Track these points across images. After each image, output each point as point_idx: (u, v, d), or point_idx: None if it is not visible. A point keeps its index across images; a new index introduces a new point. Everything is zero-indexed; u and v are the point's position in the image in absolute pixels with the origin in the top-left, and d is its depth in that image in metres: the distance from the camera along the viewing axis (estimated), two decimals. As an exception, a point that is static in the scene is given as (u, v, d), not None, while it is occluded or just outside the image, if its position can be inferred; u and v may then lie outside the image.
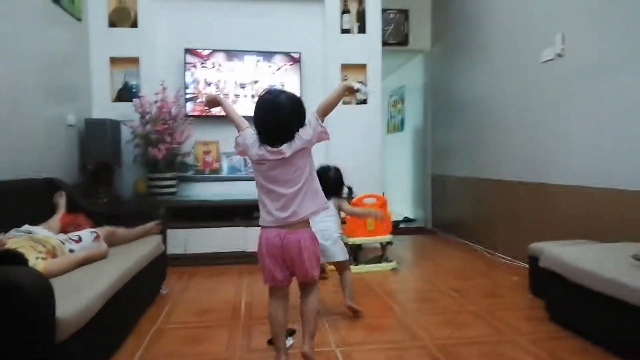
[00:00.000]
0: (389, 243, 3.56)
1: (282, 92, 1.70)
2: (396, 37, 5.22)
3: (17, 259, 1.60)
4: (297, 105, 1.66)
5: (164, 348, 2.03)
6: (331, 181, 2.54)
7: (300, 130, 1.64)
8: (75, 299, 1.55)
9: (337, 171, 2.64)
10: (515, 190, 3.61)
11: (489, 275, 3.24)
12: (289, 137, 1.63)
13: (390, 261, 3.51)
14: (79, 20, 3.61)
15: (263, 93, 1.72)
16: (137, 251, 2.41)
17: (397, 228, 5.49)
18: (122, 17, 3.90)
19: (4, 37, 2.59)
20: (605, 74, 2.70)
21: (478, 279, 3.16)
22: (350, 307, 2.40)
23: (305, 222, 1.70)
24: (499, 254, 3.76)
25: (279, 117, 1.63)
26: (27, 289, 1.24)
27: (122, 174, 3.87)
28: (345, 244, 3.42)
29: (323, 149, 4.17)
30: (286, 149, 1.61)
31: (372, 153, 4.22)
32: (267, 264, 1.68)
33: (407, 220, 5.97)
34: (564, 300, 2.13)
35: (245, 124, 1.78)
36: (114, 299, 1.89)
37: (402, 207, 6.64)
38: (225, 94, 3.99)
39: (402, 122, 6.59)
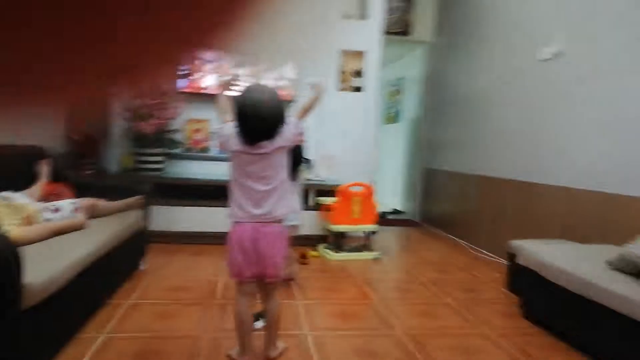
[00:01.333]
0: (373, 233, 3.56)
1: (264, 89, 1.63)
2: (399, 26, 5.17)
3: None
4: (278, 103, 1.60)
5: (135, 322, 2.03)
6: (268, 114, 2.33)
7: (281, 128, 1.60)
8: (46, 266, 1.54)
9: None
10: (502, 188, 3.62)
11: (469, 270, 3.25)
12: (270, 134, 1.59)
13: (373, 251, 3.52)
14: None
15: (245, 90, 1.63)
16: (115, 225, 2.39)
17: (385, 219, 5.51)
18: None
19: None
20: (601, 77, 2.69)
21: (458, 273, 3.17)
22: None
23: (278, 220, 1.66)
24: (483, 250, 3.77)
25: (261, 114, 1.56)
26: (-8, 253, 1.23)
27: (109, 147, 3.83)
28: (329, 231, 3.46)
29: (316, 134, 4.16)
30: (267, 144, 1.59)
31: (366, 141, 4.20)
32: (237, 259, 1.63)
33: (395, 212, 5.99)
34: (538, 297, 2.15)
35: (230, 117, 1.73)
36: (87, 271, 1.87)
37: (392, 198, 6.65)
38: (224, 72, 3.94)
39: (398, 113, 6.55)
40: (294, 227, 2.55)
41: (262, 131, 1.58)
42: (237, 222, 1.66)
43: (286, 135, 1.60)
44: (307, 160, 2.89)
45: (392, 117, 6.85)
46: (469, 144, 4.25)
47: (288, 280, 2.69)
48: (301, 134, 1.66)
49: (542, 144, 3.19)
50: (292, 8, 4.09)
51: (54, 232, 2.00)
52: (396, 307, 2.41)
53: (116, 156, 3.86)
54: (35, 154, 2.77)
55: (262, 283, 1.68)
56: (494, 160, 3.79)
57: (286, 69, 4.03)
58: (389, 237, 4.46)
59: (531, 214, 3.23)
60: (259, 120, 1.57)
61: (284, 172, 1.65)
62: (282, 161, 1.64)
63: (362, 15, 4.19)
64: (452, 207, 4.60)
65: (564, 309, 1.96)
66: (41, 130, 3.11)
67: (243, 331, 1.68)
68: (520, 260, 2.25)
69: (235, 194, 1.67)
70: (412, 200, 5.73)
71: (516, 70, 3.55)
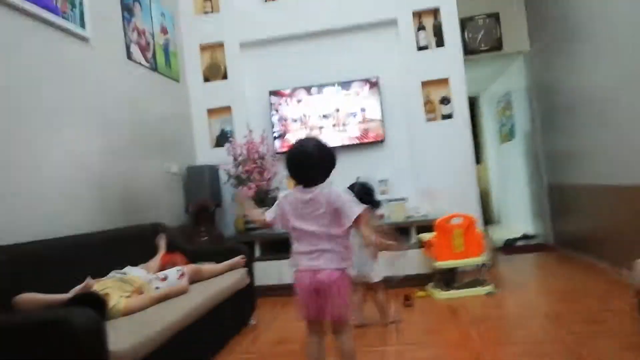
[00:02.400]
0: (484, 265, 3.29)
1: (311, 139, 1.84)
2: (487, 43, 4.92)
3: (96, 300, 1.90)
4: (323, 151, 1.77)
5: (231, 377, 2.17)
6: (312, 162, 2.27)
7: (328, 173, 1.76)
8: (135, 333, 1.77)
9: (363, 186, 2.68)
10: (634, 197, 3.08)
11: (602, 297, 2.79)
12: (315, 177, 1.74)
13: (487, 285, 3.24)
14: (178, 81, 4.13)
15: (294, 143, 1.85)
16: (217, 285, 2.62)
17: (512, 247, 5.06)
18: (214, 72, 4.36)
19: (118, 104, 3.11)
20: None
21: (584, 301, 2.74)
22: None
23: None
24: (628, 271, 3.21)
25: (306, 156, 1.75)
26: (77, 326, 1.46)
27: (224, 213, 4.25)
28: (434, 268, 3.30)
29: (410, 172, 4.09)
30: (316, 192, 1.72)
31: (463, 169, 3.97)
32: (301, 299, 1.74)
33: (525, 237, 5.44)
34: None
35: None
36: (183, 332, 2.08)
37: (520, 222, 6.08)
38: (311, 127, 4.18)
39: (512, 129, 6.08)
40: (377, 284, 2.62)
41: (308, 172, 1.74)
42: (297, 270, 1.78)
43: (330, 196, 1.70)
44: (378, 203, 2.85)
45: (506, 134, 6.38)
46: (594, 152, 3.72)
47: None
48: (348, 224, 1.69)
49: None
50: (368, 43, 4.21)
51: (158, 299, 2.27)
52: (496, 348, 2.18)
53: (231, 221, 4.25)
54: (156, 230, 3.21)
55: (331, 322, 1.76)
56: (622, 167, 3.27)
57: (368, 109, 4.10)
58: (514, 266, 4.08)
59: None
60: (303, 162, 1.76)
61: (333, 227, 1.71)
62: (330, 217, 1.72)
63: (439, 42, 4.10)
64: (588, 225, 4.02)
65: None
66: (161, 208, 3.61)
67: None
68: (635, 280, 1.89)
69: (294, 244, 1.79)
70: (542, 222, 5.17)
71: (630, 66, 3.08)
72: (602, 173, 3.62)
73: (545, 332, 2.32)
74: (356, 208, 1.69)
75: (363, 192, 2.68)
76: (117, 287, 2.20)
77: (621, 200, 3.35)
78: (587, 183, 3.92)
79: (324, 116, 4.18)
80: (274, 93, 4.24)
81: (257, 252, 3.85)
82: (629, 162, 3.22)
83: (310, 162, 1.74)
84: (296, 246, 1.78)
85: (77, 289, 2.02)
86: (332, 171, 1.80)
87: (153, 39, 3.73)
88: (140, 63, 3.48)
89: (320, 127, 4.19)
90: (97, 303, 1.88)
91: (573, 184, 4.20)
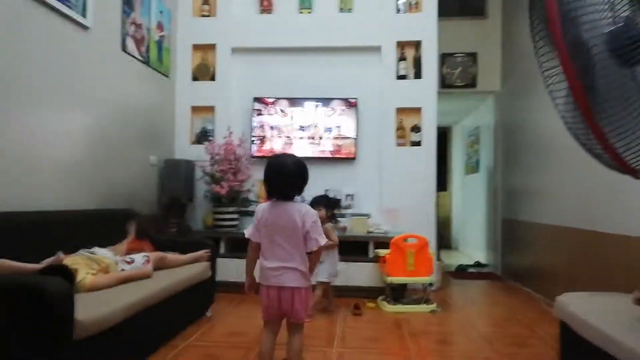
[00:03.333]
0: (430, 285, 3.54)
1: (289, 156, 2.03)
2: (463, 79, 5.26)
3: (66, 272, 2.04)
4: (300, 167, 1.96)
5: (183, 361, 2.33)
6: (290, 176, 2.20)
7: (305, 211, 1.91)
8: (100, 307, 1.92)
9: (329, 198, 3.36)
10: (576, 238, 3.40)
11: (532, 326, 3.07)
12: (291, 193, 1.94)
13: (432, 303, 3.49)
14: (167, 76, 4.29)
15: (272, 157, 2.07)
16: (179, 274, 2.77)
17: (464, 272, 5.35)
18: (203, 72, 4.53)
19: (107, 92, 3.25)
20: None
21: (516, 328, 3.02)
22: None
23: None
24: (556, 305, 3.52)
25: (283, 173, 1.93)
26: (50, 292, 1.62)
27: (194, 208, 4.40)
28: (386, 282, 3.53)
29: (376, 191, 4.33)
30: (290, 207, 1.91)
31: (425, 195, 4.25)
32: (265, 306, 1.95)
33: (477, 264, 5.76)
34: (568, 352, 2.02)
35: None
36: (145, 313, 2.24)
37: (475, 250, 6.42)
38: (288, 136, 4.39)
39: (478, 163, 6.45)
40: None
41: (285, 186, 1.93)
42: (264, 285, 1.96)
43: (302, 214, 1.89)
44: (338, 201, 3.29)
45: (472, 167, 6.74)
46: (542, 191, 4.08)
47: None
48: (316, 244, 1.90)
49: (624, 191, 2.89)
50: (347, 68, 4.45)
51: (122, 280, 2.42)
52: (432, 359, 2.41)
53: (200, 216, 4.40)
54: (127, 216, 3.35)
55: (288, 323, 1.96)
56: (567, 209, 3.60)
57: (344, 127, 4.34)
58: (460, 290, 4.34)
59: (608, 266, 2.99)
60: (281, 180, 1.93)
61: (300, 244, 1.91)
62: (299, 234, 1.90)
63: (417, 74, 4.38)
64: (530, 260, 4.36)
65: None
66: (135, 196, 3.74)
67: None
68: (554, 312, 2.15)
69: (262, 258, 1.97)
70: (493, 252, 5.50)
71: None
72: (546, 212, 3.96)
73: (475, 350, 2.57)
74: (320, 237, 1.89)
75: (331, 202, 2.99)
76: (85, 263, 2.34)
77: (558, 239, 3.69)
78: (533, 221, 4.26)
79: (302, 128, 4.40)
80: (258, 99, 4.44)
81: (222, 249, 4.01)
82: (567, 204, 3.56)
83: (288, 177, 1.92)
84: (263, 261, 1.94)
85: (48, 260, 2.16)
86: (304, 187, 1.99)
87: (149, 33, 3.88)
88: (133, 55, 3.63)
89: (300, 138, 4.39)
90: (66, 276, 2.02)
91: (522, 220, 4.54)
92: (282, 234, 1.90)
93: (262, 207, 1.99)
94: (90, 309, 1.85)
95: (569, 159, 3.57)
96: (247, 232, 2.01)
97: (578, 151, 3.46)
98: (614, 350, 1.62)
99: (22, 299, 1.65)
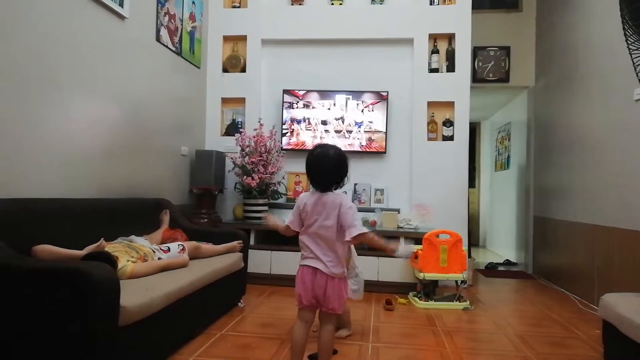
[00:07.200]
0: (463, 282, 3.49)
1: (332, 147, 2.00)
2: (495, 73, 5.14)
3: (108, 259, 2.06)
4: (342, 158, 1.94)
5: (220, 351, 2.33)
6: (331, 167, 1.96)
7: (341, 200, 1.89)
8: (143, 294, 1.93)
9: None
10: (610, 237, 3.30)
11: (569, 326, 2.99)
12: (332, 183, 1.93)
13: (465, 301, 3.43)
14: (199, 67, 4.30)
15: (315, 146, 2.03)
16: (215, 264, 2.78)
17: (494, 270, 5.26)
18: (234, 64, 4.53)
19: (141, 82, 3.27)
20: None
21: (553, 327, 2.95)
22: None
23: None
24: (593, 305, 3.43)
25: (325, 166, 1.93)
26: (96, 278, 1.63)
27: (224, 199, 4.42)
28: (418, 278, 3.48)
29: (406, 185, 4.28)
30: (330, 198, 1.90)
31: (456, 190, 4.18)
32: (299, 289, 1.93)
33: (508, 263, 5.66)
34: (615, 351, 1.96)
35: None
36: (183, 301, 2.25)
37: (504, 248, 6.31)
38: (317, 129, 4.36)
39: (508, 159, 6.32)
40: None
41: (327, 176, 1.92)
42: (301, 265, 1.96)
43: (342, 205, 1.88)
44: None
45: (502, 163, 6.61)
46: (578, 190, 3.96)
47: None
48: (350, 239, 1.87)
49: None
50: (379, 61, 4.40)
51: (161, 268, 2.43)
52: (468, 357, 2.37)
53: (230, 206, 4.42)
54: (160, 205, 3.38)
55: (320, 312, 1.94)
56: (601, 208, 3.49)
57: (375, 121, 4.29)
58: (492, 288, 4.26)
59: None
60: (323, 167, 1.92)
61: (337, 235, 1.89)
62: (337, 225, 1.88)
63: (449, 67, 4.30)
64: (563, 258, 4.25)
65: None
66: (166, 185, 3.77)
67: (293, 350, 1.93)
68: (600, 313, 2.09)
69: (302, 245, 1.97)
70: (524, 251, 5.39)
71: (613, 111, 3.32)
72: (582, 211, 3.84)
73: (511, 348, 2.52)
74: (357, 228, 1.85)
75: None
76: (125, 251, 2.36)
77: (594, 238, 3.58)
78: (567, 219, 4.14)
79: (332, 121, 4.37)
80: (288, 92, 4.42)
81: (252, 241, 4.02)
82: (604, 203, 3.45)
83: (331, 167, 1.92)
84: (302, 247, 1.95)
85: (91, 247, 2.18)
86: (345, 179, 1.96)
87: (182, 24, 3.90)
88: (166, 46, 3.65)
89: (326, 131, 4.37)
90: (108, 262, 2.04)
91: (556, 219, 4.42)
92: (319, 224, 1.89)
93: (303, 196, 1.98)
94: (133, 296, 1.86)
95: (606, 157, 3.47)
96: (288, 219, 2.01)
97: (616, 149, 3.40)
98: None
99: (68, 284, 1.66)
